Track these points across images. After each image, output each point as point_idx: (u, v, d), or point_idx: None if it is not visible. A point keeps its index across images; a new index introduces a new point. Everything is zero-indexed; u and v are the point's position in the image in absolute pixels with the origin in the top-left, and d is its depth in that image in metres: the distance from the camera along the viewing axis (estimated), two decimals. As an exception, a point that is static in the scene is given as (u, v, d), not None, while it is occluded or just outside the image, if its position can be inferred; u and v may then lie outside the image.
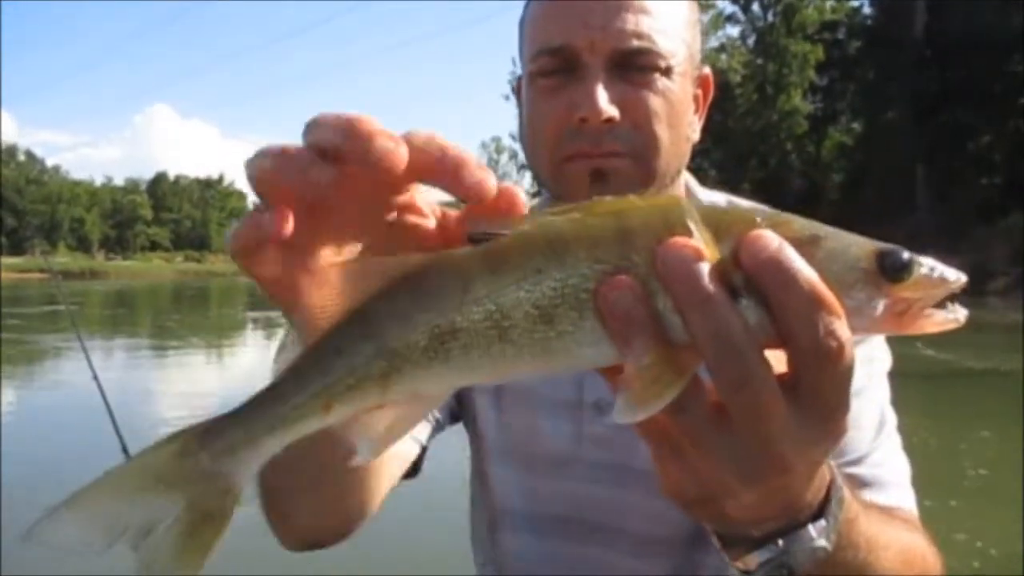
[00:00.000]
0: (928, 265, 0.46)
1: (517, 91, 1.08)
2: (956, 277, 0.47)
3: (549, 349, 0.45)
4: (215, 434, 0.46)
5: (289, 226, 0.46)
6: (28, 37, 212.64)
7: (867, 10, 45.85)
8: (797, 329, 0.43)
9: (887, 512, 0.80)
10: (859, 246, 0.46)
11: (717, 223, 0.45)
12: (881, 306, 0.46)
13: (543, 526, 1.10)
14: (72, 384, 7.74)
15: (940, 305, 0.47)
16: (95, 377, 2.21)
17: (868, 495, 0.89)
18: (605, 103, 0.93)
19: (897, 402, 1.02)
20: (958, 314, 0.47)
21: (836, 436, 0.48)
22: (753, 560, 0.57)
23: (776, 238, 0.44)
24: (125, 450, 2.29)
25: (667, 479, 0.52)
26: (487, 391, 1.12)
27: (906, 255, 0.46)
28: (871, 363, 1.02)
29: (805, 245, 0.45)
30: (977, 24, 30.97)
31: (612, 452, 1.05)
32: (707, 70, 1.08)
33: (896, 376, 1.05)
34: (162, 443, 0.45)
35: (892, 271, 0.45)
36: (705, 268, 0.43)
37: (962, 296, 0.46)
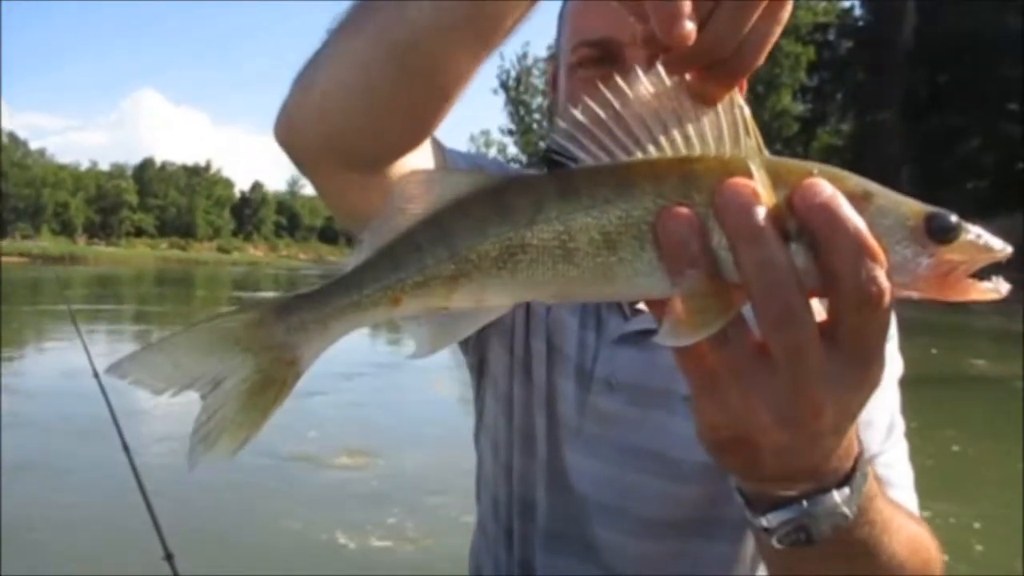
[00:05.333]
0: (975, 232, 0.48)
1: (552, 82, 1.10)
2: (1002, 247, 0.48)
3: (608, 274, 0.48)
4: (291, 310, 0.50)
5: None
6: (17, 19, 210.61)
7: (858, 11, 46.09)
8: (841, 271, 0.45)
9: (897, 502, 0.80)
10: (909, 205, 0.48)
11: (776, 171, 0.47)
12: (925, 264, 0.47)
13: (558, 482, 1.08)
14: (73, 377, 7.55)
15: (985, 278, 0.48)
16: (96, 375, 2.16)
17: None
18: None
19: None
20: (1000, 286, 0.48)
21: (869, 385, 0.50)
22: (775, 518, 0.57)
23: (830, 186, 0.46)
24: (126, 448, 2.22)
25: (702, 417, 0.53)
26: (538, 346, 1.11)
27: (954, 219, 0.47)
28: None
29: (857, 198, 0.47)
30: (968, 26, 31.17)
31: (612, 430, 1.04)
32: None
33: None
34: (242, 310, 0.50)
35: (939, 232, 0.47)
36: (759, 206, 0.45)
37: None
